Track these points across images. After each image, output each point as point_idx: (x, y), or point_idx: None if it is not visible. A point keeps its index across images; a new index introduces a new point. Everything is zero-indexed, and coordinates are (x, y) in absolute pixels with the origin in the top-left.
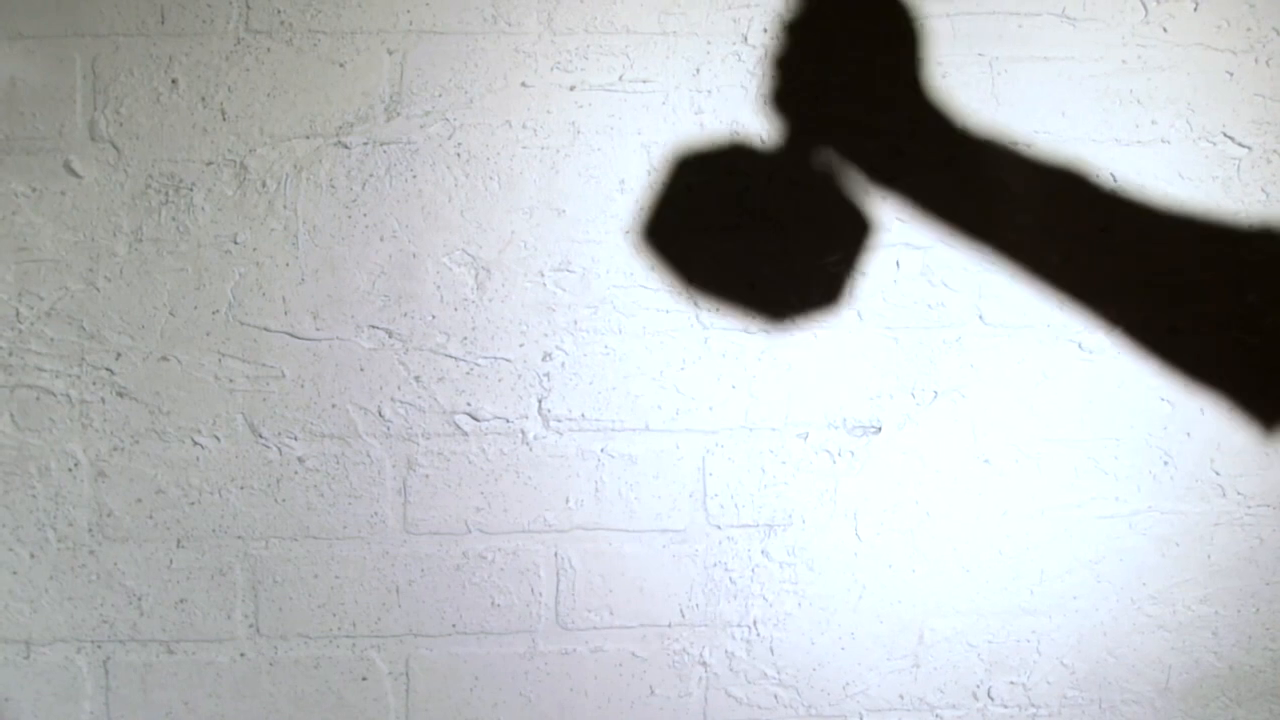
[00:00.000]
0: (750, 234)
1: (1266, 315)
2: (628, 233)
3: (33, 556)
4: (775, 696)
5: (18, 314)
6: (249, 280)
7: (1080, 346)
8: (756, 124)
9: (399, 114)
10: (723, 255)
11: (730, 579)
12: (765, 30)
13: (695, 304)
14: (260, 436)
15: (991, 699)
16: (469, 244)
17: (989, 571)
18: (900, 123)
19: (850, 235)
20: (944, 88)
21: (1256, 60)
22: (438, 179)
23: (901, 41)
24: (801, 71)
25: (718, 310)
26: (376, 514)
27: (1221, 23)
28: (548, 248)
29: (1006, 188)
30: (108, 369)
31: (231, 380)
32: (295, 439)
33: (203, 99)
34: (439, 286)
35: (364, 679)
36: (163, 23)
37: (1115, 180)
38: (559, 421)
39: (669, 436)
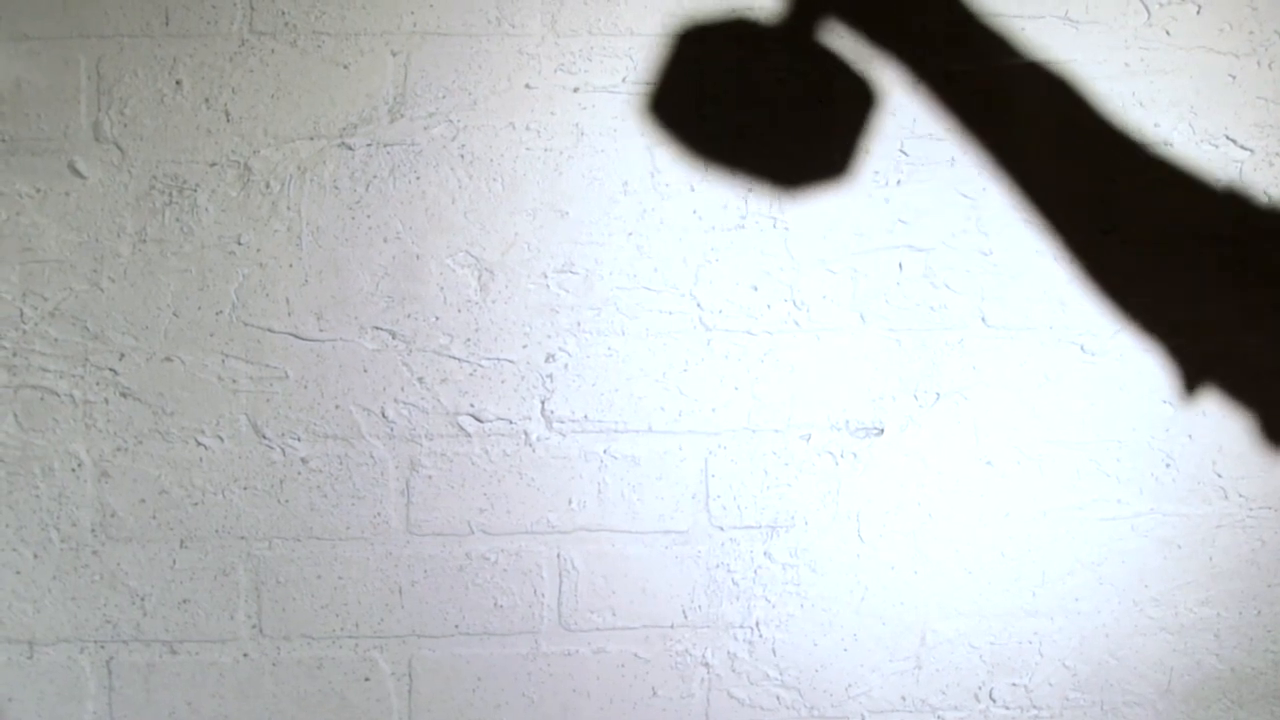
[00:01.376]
0: (758, 105)
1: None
2: (631, 234)
3: (36, 557)
4: (778, 698)
5: (22, 314)
6: (252, 281)
7: (1082, 349)
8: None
9: (403, 115)
10: (731, 127)
11: (733, 580)
12: None
13: (704, 174)
14: (264, 437)
15: (993, 700)
16: (472, 245)
17: (991, 573)
18: None
19: (858, 104)
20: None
21: (1259, 63)
22: (441, 180)
23: None
24: None
25: (727, 178)
26: (379, 515)
27: (1224, 26)
28: (551, 249)
29: (1006, 81)
30: (111, 369)
31: (235, 381)
32: (298, 440)
33: (207, 100)
34: (442, 288)
35: (367, 679)
36: (167, 24)
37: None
38: (562, 423)
39: (672, 438)
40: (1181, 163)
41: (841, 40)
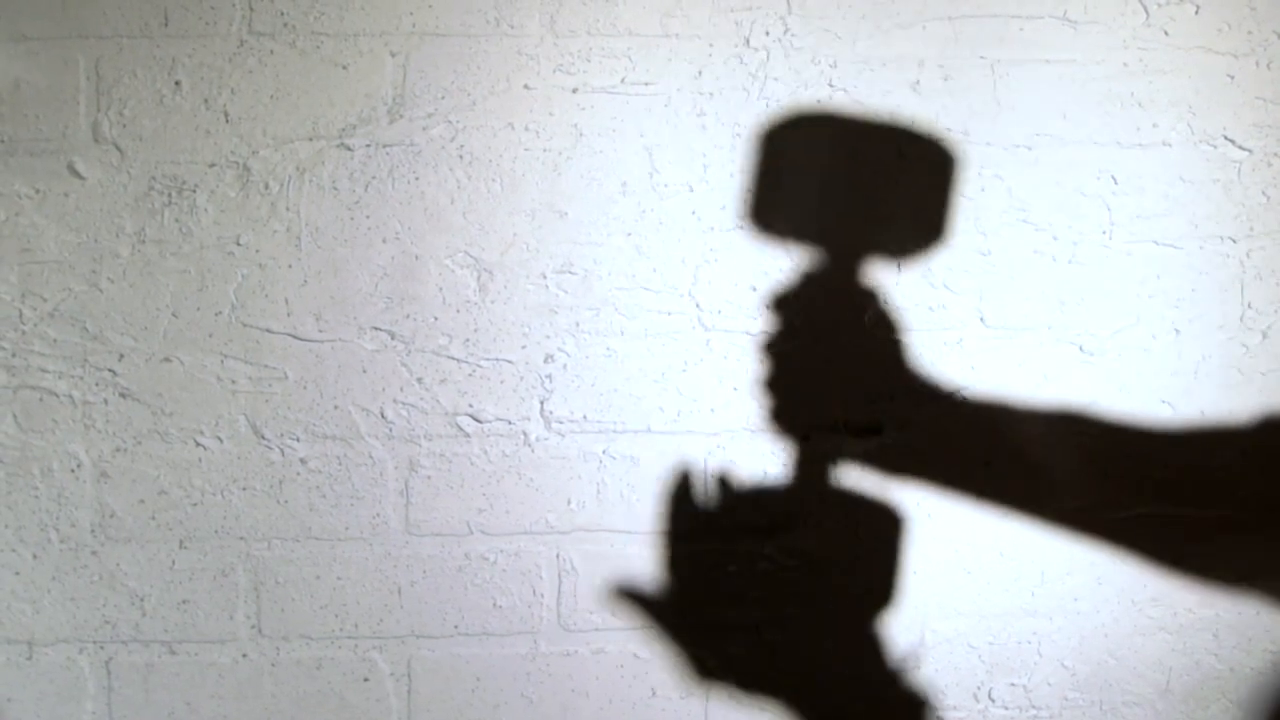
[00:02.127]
0: (792, 582)
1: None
2: (629, 235)
3: (35, 557)
4: None
5: (21, 315)
6: (251, 282)
7: (1081, 349)
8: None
9: (402, 116)
10: (731, 622)
11: (732, 581)
12: (767, 33)
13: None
14: (263, 438)
15: (992, 700)
16: (471, 246)
17: (990, 573)
18: (901, 408)
19: (889, 532)
20: (945, 91)
21: (1258, 63)
22: (440, 181)
23: (883, 327)
24: (792, 385)
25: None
26: (378, 515)
27: (1223, 26)
28: (550, 250)
29: (1010, 440)
30: (110, 370)
31: (234, 381)
32: (297, 440)
33: (206, 101)
34: (441, 288)
35: (366, 680)
36: (166, 25)
37: (1115, 183)
38: (561, 423)
39: (671, 438)
40: (1206, 425)
41: (856, 475)
